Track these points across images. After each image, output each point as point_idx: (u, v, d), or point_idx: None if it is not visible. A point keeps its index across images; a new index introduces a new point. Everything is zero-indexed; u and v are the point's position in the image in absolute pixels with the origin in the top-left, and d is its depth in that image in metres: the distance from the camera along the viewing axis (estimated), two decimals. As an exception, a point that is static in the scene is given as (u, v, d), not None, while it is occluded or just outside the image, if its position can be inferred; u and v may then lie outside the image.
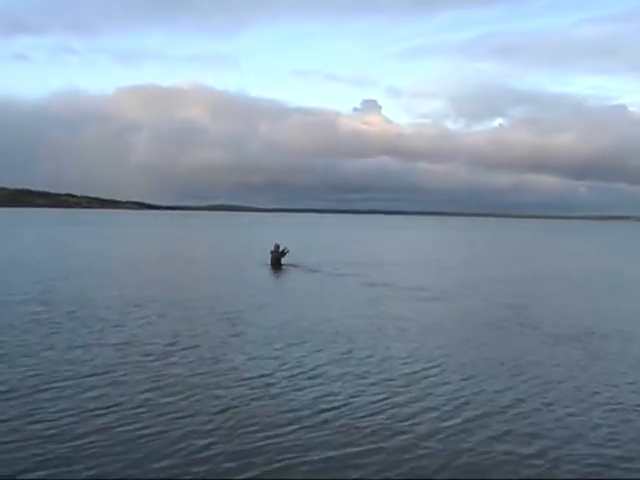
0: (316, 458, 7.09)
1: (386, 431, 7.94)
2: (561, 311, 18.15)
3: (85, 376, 9.92)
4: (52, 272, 24.44)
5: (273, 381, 9.92)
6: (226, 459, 7.02)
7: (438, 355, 12.05)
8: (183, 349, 11.87)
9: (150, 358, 11.13)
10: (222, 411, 8.51)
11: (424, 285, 23.53)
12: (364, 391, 9.56)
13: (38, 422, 7.93)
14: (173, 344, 12.25)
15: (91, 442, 7.34)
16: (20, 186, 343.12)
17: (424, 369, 10.95)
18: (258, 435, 7.70)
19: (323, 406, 8.79)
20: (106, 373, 10.12)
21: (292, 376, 10.24)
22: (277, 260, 29.25)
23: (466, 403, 9.13)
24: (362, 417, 8.42)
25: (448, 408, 8.88)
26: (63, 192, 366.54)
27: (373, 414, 8.54)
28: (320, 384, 9.84)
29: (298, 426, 8.02)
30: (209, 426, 7.97)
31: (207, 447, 7.31)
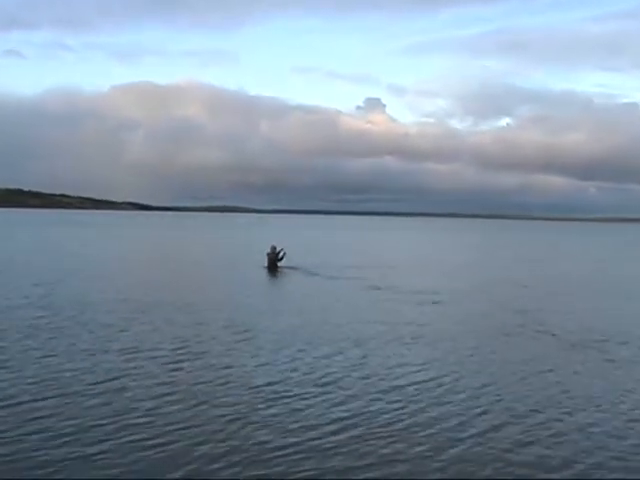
0: (331, 469, 7.09)
1: (403, 441, 7.94)
2: (573, 316, 18.18)
3: (90, 383, 9.91)
4: (50, 275, 24.47)
5: (285, 389, 9.92)
6: (238, 470, 7.01)
7: (450, 362, 12.06)
8: (191, 355, 11.88)
9: (157, 365, 11.14)
10: (233, 420, 8.50)
11: (430, 288, 23.55)
12: (378, 399, 9.56)
13: (41, 431, 7.89)
14: (180, 350, 12.26)
15: (97, 452, 7.31)
16: (11, 186, 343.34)
17: (438, 376, 10.95)
18: (271, 445, 7.69)
19: (337, 415, 8.79)
20: (112, 380, 10.11)
21: (304, 383, 10.25)
22: (273, 262, 29.36)
23: (484, 412, 9.13)
24: (378, 426, 8.42)
25: (465, 417, 8.88)
26: (56, 192, 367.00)
27: (389, 423, 8.54)
28: (333, 392, 9.84)
29: (312, 436, 8.02)
30: (220, 435, 7.96)
31: (218, 458, 7.30)
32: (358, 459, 7.37)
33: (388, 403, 9.39)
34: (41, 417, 8.39)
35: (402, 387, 10.23)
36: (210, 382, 10.21)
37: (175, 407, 8.96)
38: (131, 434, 7.91)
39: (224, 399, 9.35)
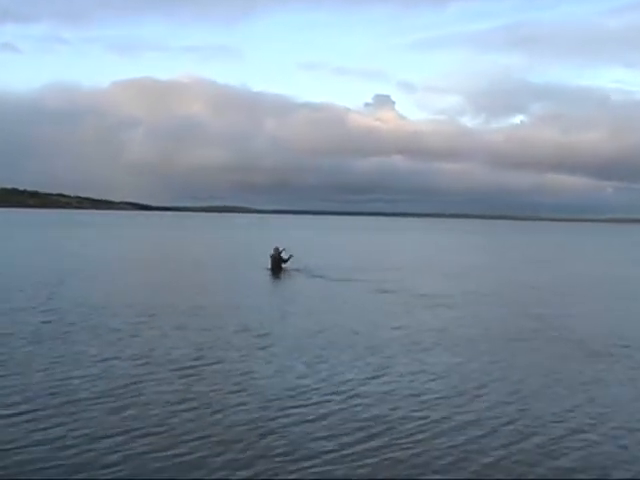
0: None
1: (428, 451, 7.95)
2: (591, 319, 18.23)
3: (100, 392, 9.89)
4: (51, 277, 24.58)
5: (304, 396, 9.93)
6: (261, 480, 7.02)
7: (471, 368, 12.07)
8: (206, 363, 11.86)
9: (172, 373, 11.12)
10: (252, 429, 8.50)
11: (441, 291, 23.65)
12: (400, 407, 9.57)
13: (49, 442, 7.86)
14: (194, 357, 12.25)
15: (109, 464, 7.27)
16: (7, 185, 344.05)
17: (460, 383, 10.97)
18: (292, 456, 7.67)
19: (359, 424, 8.78)
20: (124, 388, 10.10)
21: (323, 391, 10.26)
22: (277, 264, 29.48)
23: (510, 421, 9.13)
24: (401, 435, 8.43)
25: (490, 426, 8.89)
26: (53, 192, 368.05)
27: (413, 432, 8.54)
28: (353, 400, 9.83)
29: (334, 445, 8.00)
30: (239, 445, 7.96)
31: (238, 468, 7.30)
32: (382, 469, 7.38)
33: (411, 411, 9.40)
34: (49, 427, 8.36)
35: (424, 394, 10.25)
36: (226, 390, 10.21)
37: (191, 416, 8.96)
38: (145, 444, 7.90)
39: (241, 407, 9.36)
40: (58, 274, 25.87)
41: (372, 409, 9.46)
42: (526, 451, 8.05)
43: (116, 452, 7.63)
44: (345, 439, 8.25)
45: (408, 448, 8.01)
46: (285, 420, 8.87)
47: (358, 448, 7.98)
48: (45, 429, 8.30)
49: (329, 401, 9.77)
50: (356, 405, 9.62)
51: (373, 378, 11.15)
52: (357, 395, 10.12)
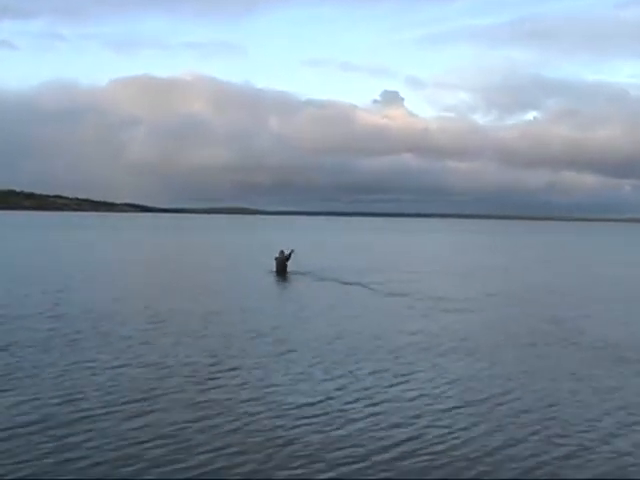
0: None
1: (457, 463, 7.99)
2: (616, 324, 18.22)
3: (115, 402, 9.92)
4: (56, 282, 24.75)
5: (325, 405, 9.94)
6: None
7: (494, 374, 12.14)
8: (222, 370, 11.93)
9: (187, 381, 11.18)
10: (273, 439, 8.55)
11: (456, 295, 23.77)
12: (426, 416, 9.60)
13: (65, 454, 7.86)
14: (210, 365, 12.32)
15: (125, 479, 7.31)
16: (3, 186, 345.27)
17: (483, 390, 11.01)
18: (316, 470, 7.66)
19: (385, 435, 8.79)
20: (139, 398, 10.13)
21: (345, 399, 10.28)
22: (283, 267, 29.71)
23: (537, 430, 9.18)
24: (428, 445, 8.46)
25: (520, 435, 8.94)
26: (51, 193, 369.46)
27: (438, 442, 8.58)
28: (378, 411, 9.81)
29: (360, 459, 8.00)
30: (260, 456, 8.00)
31: None
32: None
33: (434, 419, 9.46)
34: (61, 437, 8.40)
35: (447, 401, 10.30)
36: (244, 398, 10.27)
37: (208, 425, 9.01)
38: (161, 455, 7.94)
39: (260, 415, 9.42)
40: (62, 279, 26.05)
41: (394, 417, 9.51)
42: (555, 460, 8.09)
43: (131, 463, 7.69)
44: (367, 448, 8.31)
45: (432, 458, 8.07)
46: (306, 429, 8.93)
47: (380, 458, 8.04)
48: (57, 439, 8.35)
49: (350, 409, 9.82)
50: (378, 413, 9.67)
51: (394, 385, 11.21)
52: (378, 403, 10.18)
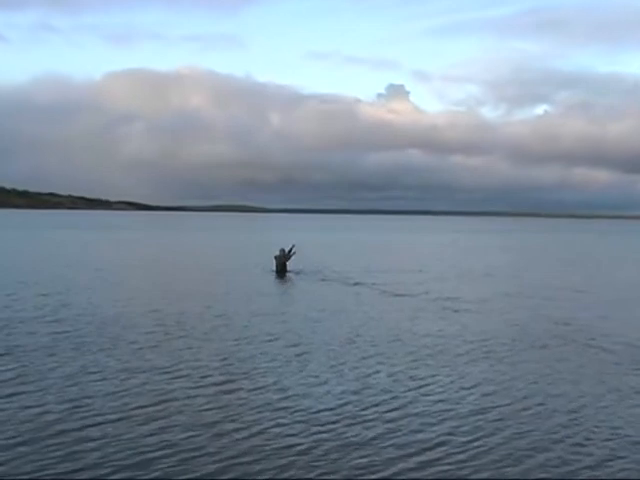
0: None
1: (483, 472, 8.06)
2: (635, 328, 18.18)
3: (125, 409, 9.94)
4: (56, 284, 24.84)
5: (347, 415, 9.91)
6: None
7: (516, 378, 12.21)
8: (240, 376, 11.95)
9: (200, 387, 11.21)
10: (295, 446, 8.60)
11: (472, 296, 23.81)
12: (448, 423, 9.63)
13: (74, 464, 7.89)
14: (222, 369, 12.38)
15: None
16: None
17: (506, 396, 11.08)
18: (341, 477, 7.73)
19: (413, 443, 8.81)
20: (150, 405, 10.16)
21: (366, 408, 10.25)
22: (283, 266, 29.88)
23: (564, 437, 9.27)
24: (462, 461, 8.38)
25: (545, 441, 9.01)
26: (44, 191, 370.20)
27: (461, 451, 8.62)
28: (402, 417, 9.83)
29: (382, 468, 8.03)
30: (278, 463, 8.07)
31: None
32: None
33: (456, 426, 9.53)
34: (69, 446, 8.43)
35: (469, 407, 10.37)
36: (260, 404, 10.32)
37: (224, 433, 9.04)
38: (173, 465, 7.97)
39: (277, 424, 9.45)
40: (61, 281, 26.12)
41: (414, 423, 9.58)
42: (583, 469, 8.16)
43: (144, 472, 7.75)
44: (387, 456, 8.38)
45: (456, 467, 8.13)
46: (323, 435, 8.98)
47: (402, 465, 8.12)
48: (67, 447, 8.40)
49: (368, 415, 9.88)
50: (397, 419, 9.73)
51: (412, 389, 11.27)
52: (397, 408, 10.24)
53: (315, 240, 64.72)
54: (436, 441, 8.93)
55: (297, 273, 29.89)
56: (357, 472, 7.92)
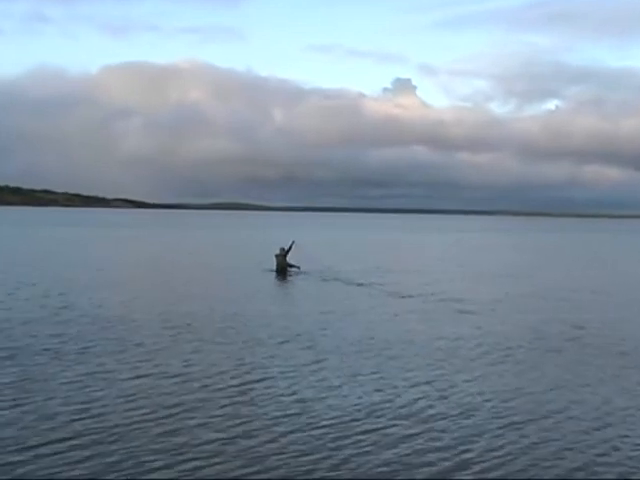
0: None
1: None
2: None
3: (134, 416, 9.88)
4: (57, 284, 24.89)
5: (368, 422, 9.88)
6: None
7: (541, 384, 12.24)
8: (254, 382, 11.92)
9: (213, 393, 11.18)
10: (310, 457, 8.54)
11: (484, 297, 23.93)
12: (489, 437, 9.49)
13: (83, 476, 7.85)
14: (236, 375, 12.33)
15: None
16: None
17: (529, 402, 11.07)
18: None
19: (446, 459, 8.67)
20: (162, 412, 10.10)
21: (391, 418, 10.15)
22: (283, 266, 29.99)
23: (589, 446, 9.26)
24: (472, 464, 8.45)
25: (573, 453, 8.98)
26: (39, 187, 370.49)
27: (480, 462, 8.58)
28: (429, 430, 9.70)
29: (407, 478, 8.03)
30: (300, 472, 8.05)
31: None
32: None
33: (474, 435, 9.51)
34: (76, 455, 8.40)
35: (489, 415, 10.35)
36: (277, 411, 10.25)
37: (241, 442, 8.96)
38: (189, 473, 7.95)
39: (297, 436, 9.29)
40: (62, 281, 26.17)
41: (445, 437, 9.46)
42: None
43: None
44: (409, 462, 8.40)
45: (477, 476, 8.12)
46: (348, 452, 8.82)
47: (423, 471, 8.14)
48: (72, 458, 8.32)
49: (393, 427, 9.78)
50: (423, 432, 9.65)
51: (436, 399, 11.18)
52: (423, 420, 10.14)
53: (317, 239, 64.69)
54: (457, 449, 8.92)
55: (299, 273, 29.95)
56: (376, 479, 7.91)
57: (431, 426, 9.81)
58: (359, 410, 10.45)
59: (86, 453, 8.47)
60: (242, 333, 16.23)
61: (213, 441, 9.02)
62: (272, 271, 30.18)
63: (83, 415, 9.87)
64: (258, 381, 11.95)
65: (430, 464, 8.43)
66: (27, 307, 19.33)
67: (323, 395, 11.21)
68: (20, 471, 7.92)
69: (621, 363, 14.16)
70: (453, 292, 25.08)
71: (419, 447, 8.98)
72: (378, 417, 10.15)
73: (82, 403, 10.42)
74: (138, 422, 9.64)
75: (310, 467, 8.26)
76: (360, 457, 8.61)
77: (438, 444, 9.10)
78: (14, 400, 10.48)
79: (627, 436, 9.65)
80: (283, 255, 30.31)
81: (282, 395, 11.15)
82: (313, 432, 9.44)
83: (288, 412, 10.27)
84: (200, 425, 9.60)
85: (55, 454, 8.41)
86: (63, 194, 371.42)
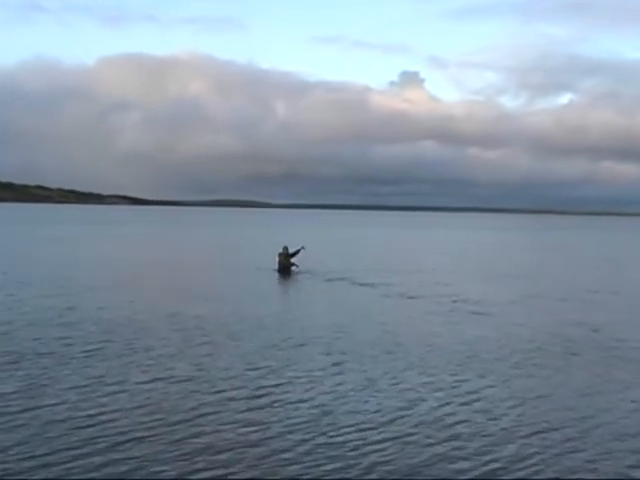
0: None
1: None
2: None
3: (148, 424, 9.83)
4: (58, 285, 24.95)
5: (398, 433, 9.81)
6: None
7: (566, 388, 12.28)
8: (270, 386, 11.90)
9: (232, 400, 11.12)
10: (337, 469, 8.52)
11: (499, 298, 23.90)
12: (520, 444, 9.48)
13: None
14: (253, 380, 12.31)
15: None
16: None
17: (548, 412, 11.07)
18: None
19: (475, 468, 8.68)
20: (177, 420, 10.07)
21: (415, 425, 10.15)
22: (286, 266, 30.16)
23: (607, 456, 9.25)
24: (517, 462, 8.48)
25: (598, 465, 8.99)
26: (32, 183, 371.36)
27: (505, 473, 8.57)
28: (458, 436, 9.73)
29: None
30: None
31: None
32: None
33: (494, 442, 9.52)
34: (86, 466, 8.36)
35: (528, 426, 10.31)
36: (302, 422, 10.14)
37: (264, 454, 8.88)
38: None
39: (321, 445, 9.24)
40: (62, 281, 26.21)
41: (462, 440, 9.56)
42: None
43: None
44: (436, 471, 8.42)
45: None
46: (373, 459, 8.79)
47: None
48: (82, 467, 8.30)
49: (421, 434, 9.75)
50: (443, 429, 9.70)
51: (463, 404, 11.19)
52: (451, 425, 10.14)
53: (322, 237, 64.80)
54: (483, 458, 8.93)
55: (307, 273, 30.00)
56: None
57: (456, 433, 9.83)
58: (381, 416, 10.48)
59: (97, 461, 8.47)
60: (254, 336, 16.24)
61: (228, 448, 9.02)
62: (274, 270, 30.31)
63: (93, 421, 9.86)
64: (274, 386, 11.94)
65: (456, 472, 8.45)
66: (29, 308, 19.34)
67: (342, 400, 11.23)
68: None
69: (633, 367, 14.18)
70: (467, 293, 25.14)
71: (444, 455, 9.00)
72: (401, 423, 10.17)
73: (91, 408, 10.42)
74: (150, 429, 9.65)
75: (331, 477, 8.27)
76: (383, 465, 8.62)
77: (464, 452, 9.12)
78: (20, 406, 10.48)
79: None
80: (286, 254, 30.44)
81: (299, 400, 11.14)
82: (333, 439, 9.45)
83: (306, 418, 10.27)
84: (215, 432, 9.62)
85: (65, 462, 8.41)
86: (57, 190, 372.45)
